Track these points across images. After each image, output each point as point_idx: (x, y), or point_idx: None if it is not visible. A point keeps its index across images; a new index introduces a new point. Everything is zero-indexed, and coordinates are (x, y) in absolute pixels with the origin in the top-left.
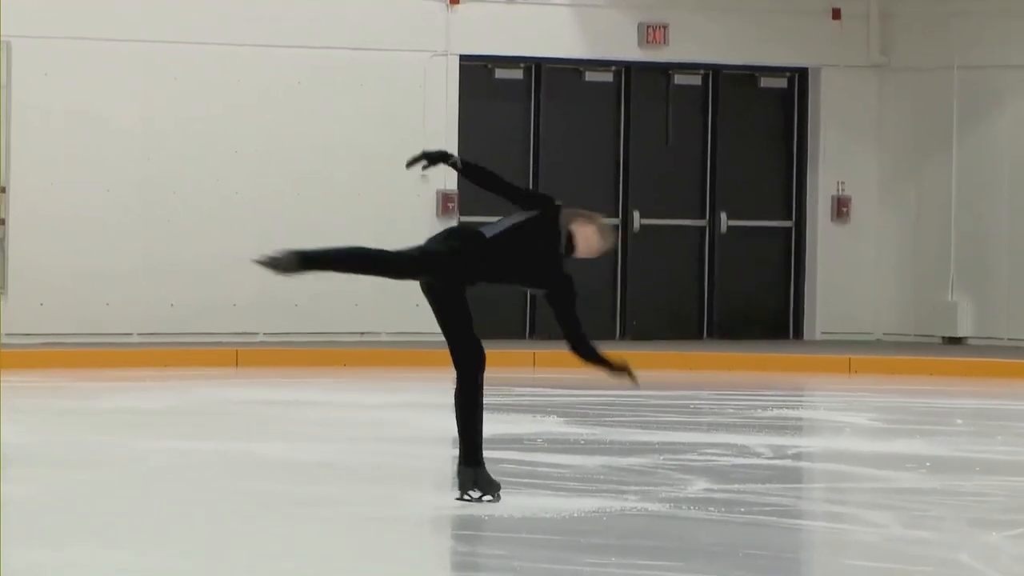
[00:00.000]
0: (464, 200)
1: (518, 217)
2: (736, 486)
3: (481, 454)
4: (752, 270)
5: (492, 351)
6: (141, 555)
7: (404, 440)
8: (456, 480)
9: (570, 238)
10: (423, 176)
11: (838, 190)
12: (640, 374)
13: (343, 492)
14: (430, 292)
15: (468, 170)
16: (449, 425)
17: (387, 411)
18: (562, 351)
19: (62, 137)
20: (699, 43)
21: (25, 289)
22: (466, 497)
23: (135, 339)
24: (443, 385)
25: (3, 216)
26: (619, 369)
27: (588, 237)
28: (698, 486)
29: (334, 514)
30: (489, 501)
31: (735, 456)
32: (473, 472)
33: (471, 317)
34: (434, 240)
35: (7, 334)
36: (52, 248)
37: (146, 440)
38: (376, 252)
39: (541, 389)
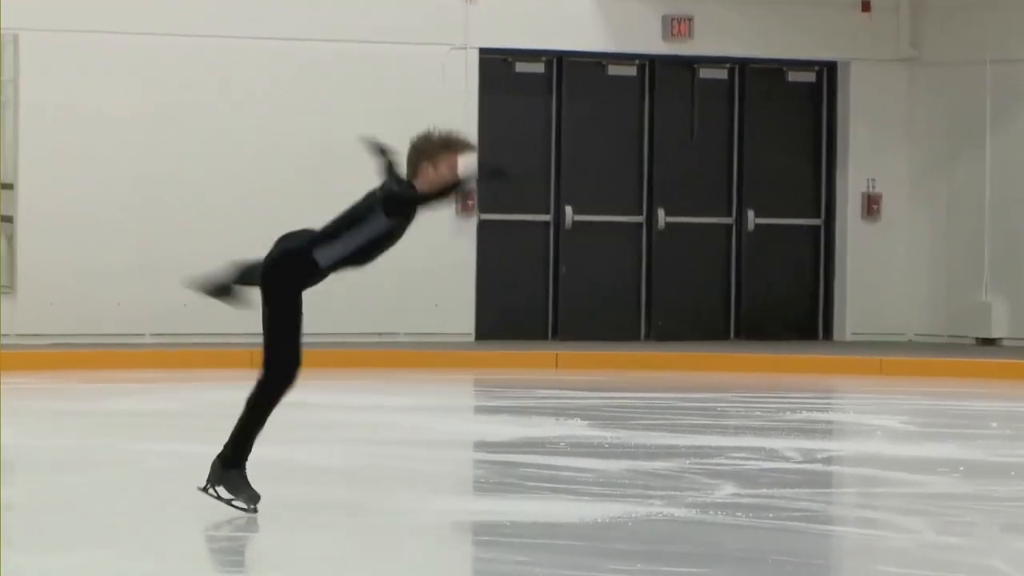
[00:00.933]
0: (484, 197)
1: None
2: (764, 491)
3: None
4: (780, 269)
5: (514, 352)
6: (140, 560)
7: (421, 444)
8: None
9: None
10: None
11: (868, 187)
12: (665, 376)
13: (359, 497)
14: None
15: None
16: (469, 429)
17: (403, 414)
18: (586, 352)
19: (69, 132)
20: (725, 36)
21: (34, 288)
22: (210, 492)
23: (147, 340)
24: (461, 387)
25: (10, 214)
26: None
27: (429, 178)
28: (725, 491)
29: (349, 520)
30: (241, 509)
31: (763, 460)
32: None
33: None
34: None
35: (16, 335)
36: (61, 246)
37: (152, 443)
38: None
39: (564, 391)
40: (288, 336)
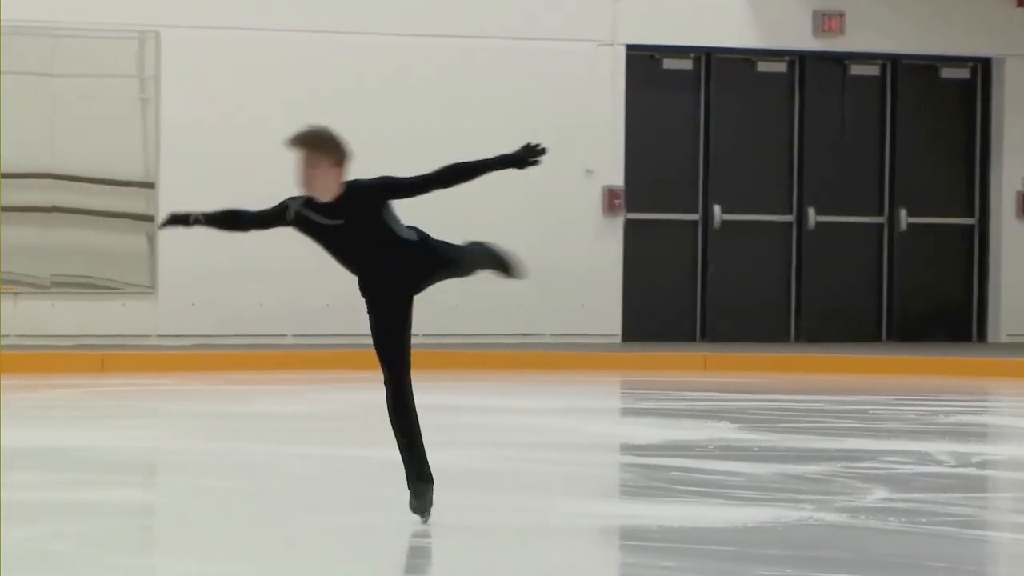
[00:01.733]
0: (631, 195)
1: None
2: (917, 495)
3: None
4: (933, 269)
5: (661, 353)
6: (281, 570)
7: (567, 447)
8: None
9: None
10: (588, 171)
11: (1023, 185)
12: (816, 378)
13: (504, 501)
14: None
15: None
16: (616, 432)
17: (549, 417)
18: (735, 353)
19: (211, 131)
20: (877, 32)
21: (175, 289)
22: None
23: (289, 340)
24: (608, 389)
25: (152, 213)
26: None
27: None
28: (877, 495)
29: (493, 524)
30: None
31: (916, 464)
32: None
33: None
34: None
35: (158, 335)
36: (203, 246)
37: (294, 446)
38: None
39: (712, 393)
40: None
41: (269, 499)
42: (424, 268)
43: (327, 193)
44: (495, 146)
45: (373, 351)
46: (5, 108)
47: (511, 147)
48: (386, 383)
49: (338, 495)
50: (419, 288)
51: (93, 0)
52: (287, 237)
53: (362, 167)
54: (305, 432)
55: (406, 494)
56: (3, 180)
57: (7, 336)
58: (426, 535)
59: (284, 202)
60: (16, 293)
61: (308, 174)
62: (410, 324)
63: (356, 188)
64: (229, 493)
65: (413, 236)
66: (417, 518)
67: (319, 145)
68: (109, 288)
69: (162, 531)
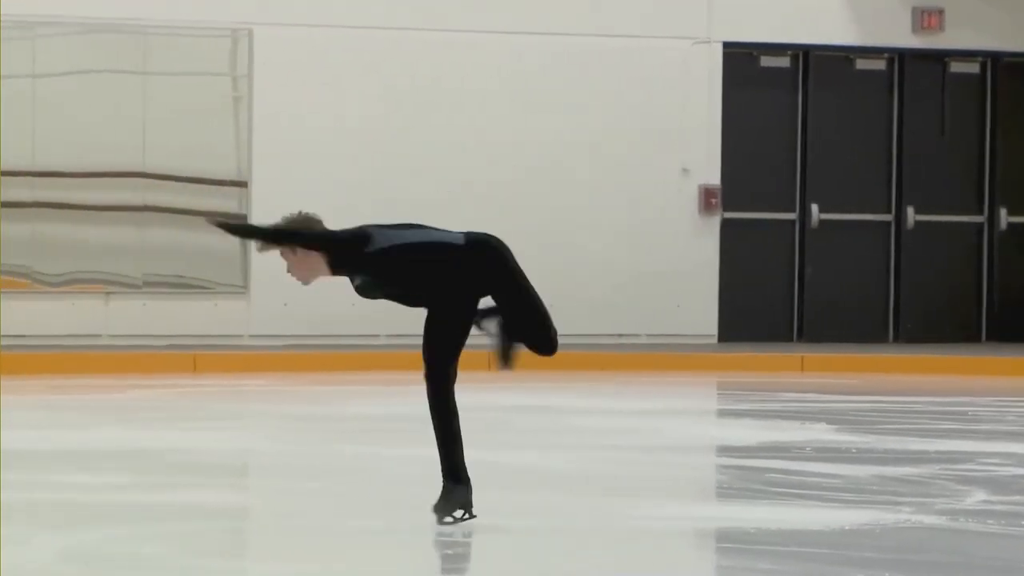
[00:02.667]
0: (728, 194)
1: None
2: (1017, 498)
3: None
4: None
5: (758, 354)
6: (375, 572)
7: (663, 448)
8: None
9: None
10: (685, 170)
11: None
12: (914, 379)
13: (600, 502)
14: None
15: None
16: (712, 433)
17: (644, 418)
18: (832, 354)
19: (303, 129)
20: (977, 29)
21: (267, 289)
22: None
23: (381, 341)
24: (704, 390)
25: (244, 212)
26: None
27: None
28: (976, 497)
29: (588, 526)
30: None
31: (1016, 466)
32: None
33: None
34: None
35: (249, 336)
36: None
37: (386, 448)
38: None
39: (810, 394)
40: None
41: (360, 501)
42: None
43: None
44: (587, 145)
45: (467, 351)
46: (98, 106)
47: (603, 146)
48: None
49: (432, 497)
50: None
51: None
52: None
53: (455, 168)
54: (397, 434)
55: (500, 496)
56: (95, 179)
57: (99, 336)
58: (526, 536)
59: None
60: (108, 293)
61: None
62: None
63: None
64: (320, 495)
65: None
66: (508, 517)
67: None
68: (201, 288)
69: (253, 533)
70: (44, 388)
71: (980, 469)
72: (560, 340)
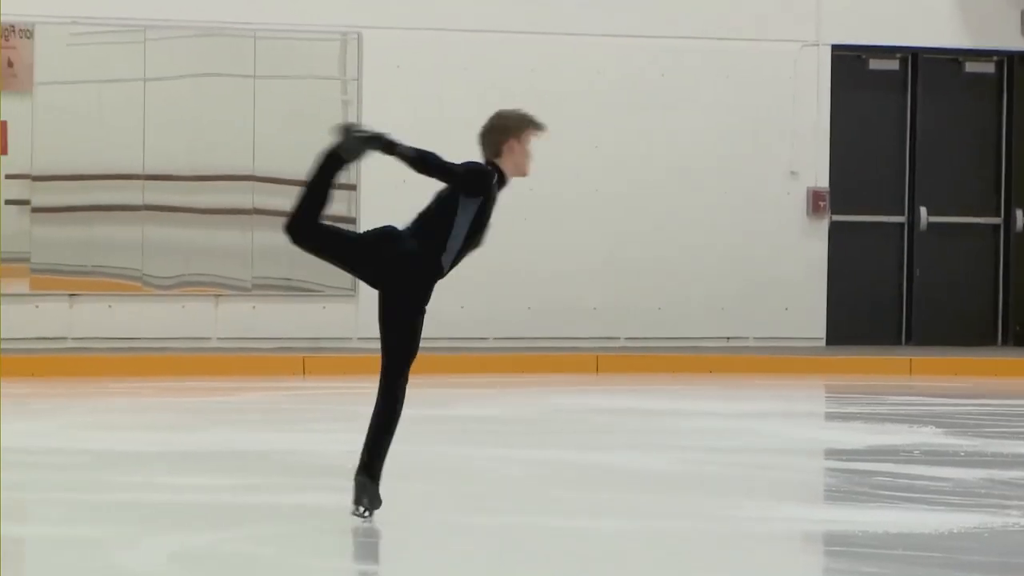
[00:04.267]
0: (836, 197)
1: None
2: None
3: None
4: None
5: (866, 357)
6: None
7: (771, 451)
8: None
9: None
10: (793, 173)
11: None
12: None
13: (708, 504)
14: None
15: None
16: (820, 436)
17: (753, 420)
18: (941, 357)
19: (412, 132)
20: None
21: (376, 292)
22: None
23: (491, 343)
24: (812, 393)
25: (353, 215)
26: None
27: (516, 163)
28: None
29: (697, 527)
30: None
31: None
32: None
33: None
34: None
35: (358, 338)
36: None
37: (493, 449)
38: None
39: (917, 398)
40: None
41: (468, 502)
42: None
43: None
44: (694, 148)
45: (575, 354)
46: (208, 110)
47: (711, 149)
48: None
49: (542, 498)
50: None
51: (295, 2)
52: (494, 242)
53: (564, 173)
54: (504, 435)
55: (608, 497)
56: (205, 182)
57: (209, 339)
58: (632, 538)
59: (491, 170)
60: (218, 296)
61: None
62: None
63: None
64: (427, 496)
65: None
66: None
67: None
68: (310, 290)
69: (362, 535)
70: (154, 390)
71: None
72: (669, 344)
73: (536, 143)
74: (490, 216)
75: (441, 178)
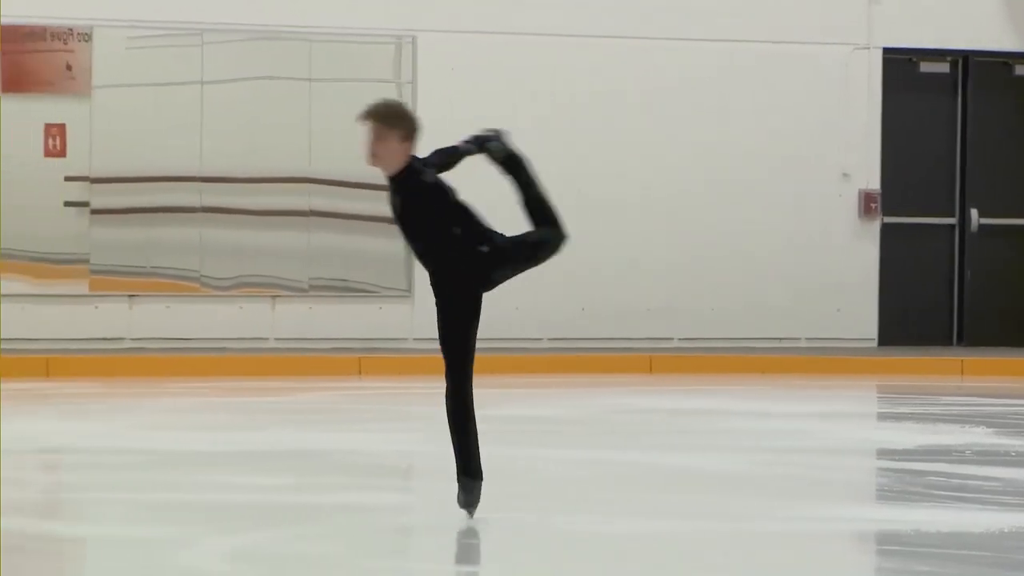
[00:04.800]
0: (887, 199)
1: None
2: None
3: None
4: None
5: (918, 358)
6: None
7: (823, 451)
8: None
9: None
10: (845, 175)
11: None
12: None
13: (761, 504)
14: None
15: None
16: (872, 436)
17: (804, 420)
18: (992, 358)
19: (465, 135)
20: None
21: (432, 293)
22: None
23: (544, 344)
24: (864, 394)
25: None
26: None
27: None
28: None
29: (749, 527)
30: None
31: None
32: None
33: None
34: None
35: (413, 339)
36: None
37: (547, 450)
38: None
39: (969, 398)
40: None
41: (524, 502)
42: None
43: (391, 167)
44: (747, 150)
45: (628, 355)
46: (265, 112)
47: (763, 151)
48: (447, 376)
49: (595, 499)
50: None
51: (351, 5)
52: None
53: (618, 170)
54: (558, 436)
55: (660, 497)
56: (262, 184)
57: (266, 339)
58: (684, 539)
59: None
60: (275, 297)
61: (374, 147)
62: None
63: (416, 165)
64: (486, 496)
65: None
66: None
67: (388, 118)
68: (366, 291)
69: (419, 535)
70: (212, 391)
71: None
72: (720, 345)
73: (594, 146)
74: (398, 210)
75: None
